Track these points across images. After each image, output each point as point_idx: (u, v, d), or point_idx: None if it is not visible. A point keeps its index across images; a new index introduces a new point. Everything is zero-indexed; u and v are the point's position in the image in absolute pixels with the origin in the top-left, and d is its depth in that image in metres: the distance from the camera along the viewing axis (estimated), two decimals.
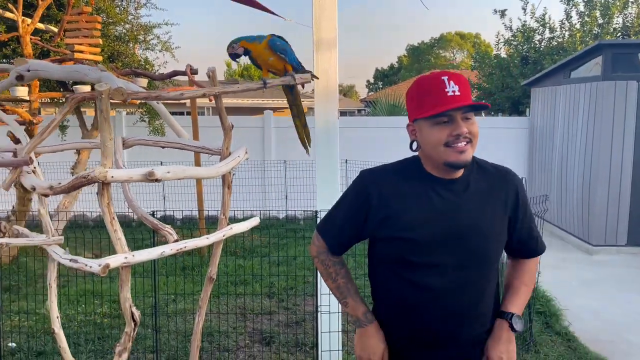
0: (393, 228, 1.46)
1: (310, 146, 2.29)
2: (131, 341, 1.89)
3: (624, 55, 6.24)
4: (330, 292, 1.67)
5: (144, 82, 4.52)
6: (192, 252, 6.25)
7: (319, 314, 3.15)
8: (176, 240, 2.12)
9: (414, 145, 1.54)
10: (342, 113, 28.58)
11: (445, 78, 1.40)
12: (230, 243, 6.30)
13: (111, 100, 1.74)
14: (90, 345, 3.86)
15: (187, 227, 7.22)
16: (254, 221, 2.67)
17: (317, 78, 2.13)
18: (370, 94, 29.05)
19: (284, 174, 8.06)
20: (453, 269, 1.44)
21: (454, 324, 1.47)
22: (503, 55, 12.36)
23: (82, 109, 6.56)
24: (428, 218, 1.44)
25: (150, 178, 1.76)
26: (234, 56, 2.12)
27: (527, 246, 1.59)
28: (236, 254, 6.14)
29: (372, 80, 38.65)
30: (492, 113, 13.02)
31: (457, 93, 1.39)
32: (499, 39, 12.49)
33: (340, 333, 3.16)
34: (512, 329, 1.51)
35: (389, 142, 6.43)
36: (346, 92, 47.81)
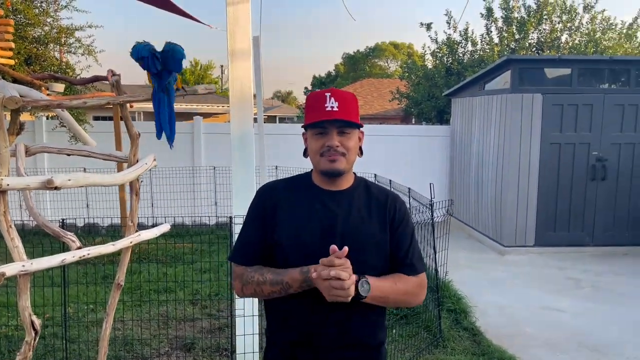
0: (279, 235, 1.57)
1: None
2: (32, 350, 1.89)
3: (530, 70, 6.74)
4: (271, 294, 1.56)
5: (60, 87, 4.42)
6: (115, 260, 6.12)
7: (234, 317, 3.22)
8: (79, 248, 2.14)
9: (306, 152, 1.66)
10: (281, 119, 28.64)
11: (328, 94, 1.55)
12: (156, 251, 6.22)
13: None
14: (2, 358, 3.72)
15: (112, 234, 7.05)
16: (164, 227, 2.71)
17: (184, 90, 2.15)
18: None
19: (214, 180, 8.04)
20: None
21: (336, 330, 1.55)
22: (430, 66, 12.92)
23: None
24: (310, 226, 1.56)
25: (48, 186, 1.77)
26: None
27: (403, 267, 1.62)
28: (162, 261, 6.07)
29: (310, 87, 38.98)
30: (424, 122, 13.57)
31: (335, 109, 1.53)
32: (425, 51, 13.05)
33: (256, 335, 3.24)
34: (356, 288, 1.48)
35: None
36: (285, 98, 47.92)
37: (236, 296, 1.74)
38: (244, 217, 1.70)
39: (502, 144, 6.85)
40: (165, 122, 2.00)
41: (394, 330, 4.17)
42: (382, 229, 1.61)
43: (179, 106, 15.91)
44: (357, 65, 36.11)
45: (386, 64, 36.19)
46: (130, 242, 2.43)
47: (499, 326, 4.43)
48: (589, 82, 6.76)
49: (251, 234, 1.63)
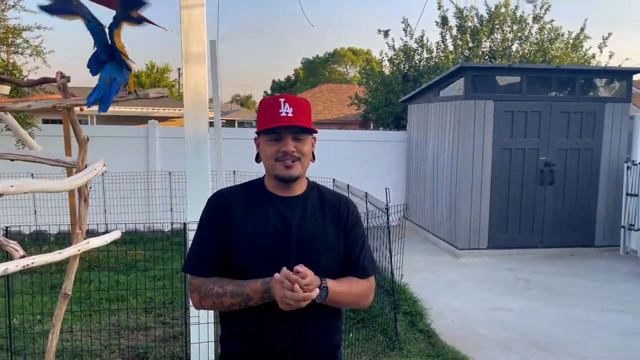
0: (234, 242, 1.56)
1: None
2: None
3: (482, 78, 6.96)
4: (231, 306, 1.54)
5: (5, 89, 4.24)
6: (64, 269, 5.90)
7: (188, 325, 3.17)
8: (23, 256, 2.05)
9: (258, 158, 1.66)
10: (240, 123, 28.40)
11: (282, 100, 1.55)
12: (108, 258, 6.04)
13: None
14: None
15: (61, 242, 6.79)
16: (114, 234, 2.64)
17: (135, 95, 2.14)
18: None
19: (169, 185, 7.89)
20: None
21: (293, 337, 1.55)
22: (387, 72, 13.12)
23: None
24: (265, 231, 1.56)
25: None
26: None
27: (356, 271, 1.65)
28: (114, 269, 5.90)
29: (269, 92, 38.88)
30: (381, 127, 13.75)
31: (290, 115, 1.54)
32: (383, 57, 13.25)
33: (212, 343, 3.19)
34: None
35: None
36: (244, 102, 47.58)
37: (189, 300, 1.63)
38: (197, 225, 1.66)
39: (456, 149, 7.02)
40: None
41: (350, 334, 4.19)
42: (336, 233, 1.64)
43: (134, 109, 15.54)
44: (316, 70, 36.30)
45: (345, 70, 36.53)
46: (78, 250, 2.36)
47: (454, 328, 4.53)
48: (538, 90, 7.03)
49: (206, 242, 1.60)
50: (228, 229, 1.57)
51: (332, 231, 1.63)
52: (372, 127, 16.16)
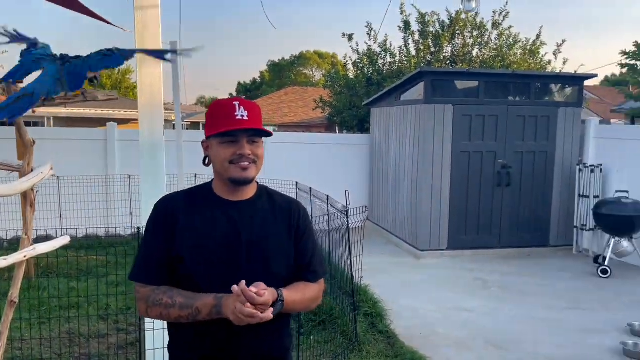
0: (181, 249, 1.54)
1: None
2: None
3: (441, 82, 7.10)
4: (178, 319, 1.51)
5: None
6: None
7: (143, 332, 3.11)
8: None
9: (207, 161, 1.64)
10: (205, 126, 28.04)
11: (236, 103, 1.55)
12: (65, 264, 5.87)
13: None
14: None
15: (15, 248, 6.56)
16: (63, 240, 2.58)
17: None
18: None
19: (129, 189, 7.73)
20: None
21: (244, 343, 1.54)
22: (351, 76, 13.22)
23: None
24: (214, 237, 1.54)
25: None
26: None
27: (307, 274, 1.66)
28: (70, 275, 5.74)
29: (235, 94, 38.61)
30: (345, 130, 13.84)
31: (246, 118, 1.54)
32: (347, 61, 13.36)
33: (167, 349, 3.14)
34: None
35: None
36: (209, 104, 47.10)
37: (142, 315, 1.62)
38: (144, 231, 1.64)
39: (416, 152, 7.14)
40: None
41: (311, 337, 4.20)
42: (287, 236, 1.64)
43: (94, 112, 15.16)
44: (282, 73, 36.27)
45: (311, 73, 36.62)
46: (24, 257, 2.29)
47: (413, 328, 4.60)
48: (495, 94, 7.23)
49: (154, 249, 1.58)
50: (174, 235, 1.55)
51: (283, 235, 1.63)
52: (337, 130, 16.25)
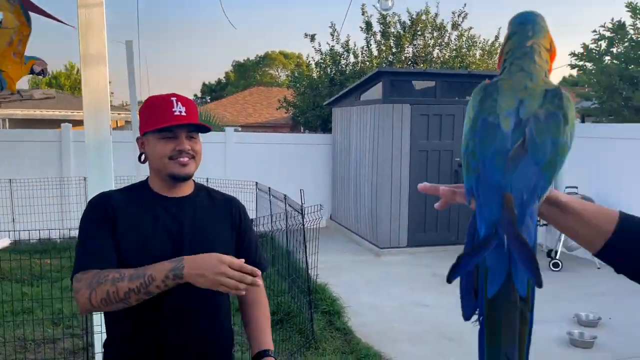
0: (123, 249, 1.49)
1: None
2: None
3: (399, 82, 7.21)
4: (128, 294, 1.37)
5: None
6: None
7: (90, 335, 3.06)
8: None
9: (142, 158, 1.62)
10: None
11: (174, 99, 1.55)
12: (17, 269, 5.70)
13: None
14: None
15: None
16: (4, 242, 2.52)
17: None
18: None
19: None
20: (184, 285, 1.42)
21: (190, 339, 1.52)
22: (315, 76, 13.27)
23: None
24: (156, 235, 1.52)
25: None
26: None
27: (255, 264, 1.63)
28: (22, 280, 5.57)
29: (199, 94, 38.16)
30: (307, 130, 13.89)
31: (184, 113, 1.53)
32: (309, 61, 13.41)
33: None
34: None
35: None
36: None
37: (84, 308, 1.42)
38: (79, 230, 1.53)
39: (375, 151, 7.23)
40: None
41: None
42: (229, 232, 1.65)
43: (51, 113, 14.74)
44: (247, 73, 36.04)
45: (277, 73, 36.54)
46: None
47: (370, 324, 4.66)
48: (451, 94, 7.38)
49: (97, 238, 1.49)
50: (115, 231, 1.50)
51: (225, 231, 1.64)
52: (302, 130, 16.28)
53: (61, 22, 5.06)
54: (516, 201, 0.82)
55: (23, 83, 23.11)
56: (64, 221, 7.52)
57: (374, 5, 12.24)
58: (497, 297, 0.86)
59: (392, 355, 4.05)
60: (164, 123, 1.52)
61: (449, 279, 0.87)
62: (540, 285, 0.80)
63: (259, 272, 1.39)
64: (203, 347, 1.58)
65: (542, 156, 0.84)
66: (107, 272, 1.40)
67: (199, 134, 1.62)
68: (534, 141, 0.83)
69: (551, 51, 0.90)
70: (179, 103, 1.54)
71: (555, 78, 8.32)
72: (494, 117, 0.86)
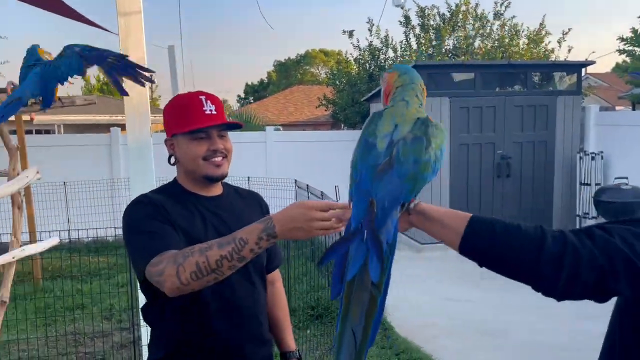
0: (186, 243, 1.41)
1: None
2: None
3: (437, 75, 7.12)
4: (219, 263, 1.25)
5: None
6: (25, 280, 5.87)
7: (138, 328, 3.21)
8: None
9: (172, 160, 1.58)
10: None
11: (202, 97, 1.52)
12: (69, 267, 6.01)
13: None
14: None
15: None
16: (53, 241, 2.67)
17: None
18: (239, 108, 29.18)
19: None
20: (238, 281, 1.49)
21: (240, 333, 1.53)
22: (353, 72, 13.25)
23: None
24: (207, 234, 1.47)
25: None
26: None
27: (273, 259, 1.72)
28: (76, 277, 5.88)
29: (242, 95, 38.79)
30: (345, 127, 13.89)
31: (214, 112, 1.50)
32: (348, 57, 13.39)
33: None
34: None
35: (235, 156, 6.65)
36: None
37: (173, 288, 1.26)
38: (131, 230, 1.43)
39: None
40: None
41: (307, 330, 4.28)
42: None
43: (97, 117, 15.38)
44: (288, 72, 36.32)
45: (317, 71, 36.65)
46: (13, 258, 2.39)
47: (409, 319, 4.65)
48: (492, 85, 7.22)
49: (163, 229, 1.39)
50: (173, 226, 1.42)
51: None
52: (342, 128, 16.29)
53: (103, 29, 5.29)
54: (379, 205, 1.02)
55: (76, 89, 24.15)
56: (115, 220, 7.86)
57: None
58: (353, 281, 1.03)
59: (431, 350, 4.03)
60: (197, 123, 1.48)
61: (319, 264, 1.08)
62: (383, 271, 1.00)
63: (346, 203, 1.20)
64: (263, 337, 1.59)
65: (404, 171, 1.04)
66: (190, 247, 1.28)
67: (229, 132, 1.58)
68: (398, 159, 1.03)
69: (424, 92, 1.17)
70: (209, 101, 1.51)
71: (604, 66, 8.01)
72: (374, 138, 1.08)
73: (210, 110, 1.50)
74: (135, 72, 1.86)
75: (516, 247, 0.97)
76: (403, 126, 1.07)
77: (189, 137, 1.50)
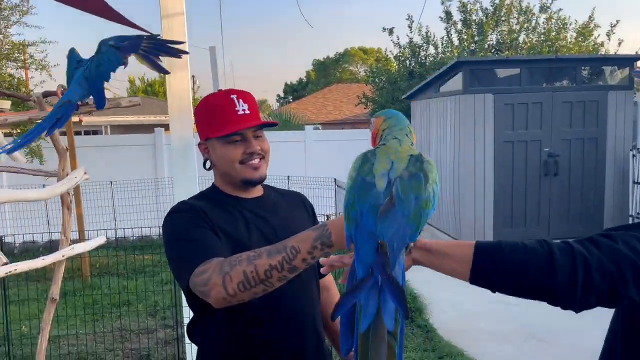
0: (230, 248, 1.36)
1: None
2: None
3: (480, 71, 6.93)
4: (268, 274, 1.13)
5: (6, 103, 4.39)
6: (75, 277, 6.08)
7: (180, 325, 3.25)
8: (5, 263, 2.16)
9: (207, 164, 1.51)
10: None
11: (234, 97, 1.42)
12: (116, 265, 6.19)
13: None
14: None
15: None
16: (100, 240, 2.73)
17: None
18: (279, 107, 29.42)
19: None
20: (290, 288, 1.35)
21: (297, 332, 1.45)
22: (393, 70, 13.12)
23: None
24: (252, 237, 1.41)
25: None
26: None
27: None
28: (122, 274, 6.05)
29: (282, 94, 39.08)
30: None
31: (247, 112, 1.41)
32: (387, 55, 13.27)
33: None
34: None
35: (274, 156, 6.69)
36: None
37: (218, 298, 1.15)
38: (173, 236, 1.35)
39: (457, 143, 7.01)
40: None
41: None
42: (310, 224, 1.54)
43: (142, 118, 15.79)
44: (327, 71, 36.34)
45: (356, 69, 36.53)
46: (62, 256, 2.46)
47: (453, 323, 4.55)
48: (538, 80, 6.98)
49: (208, 236, 1.32)
50: (215, 232, 1.35)
51: (307, 224, 1.51)
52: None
53: (146, 32, 5.41)
54: (389, 248, 0.95)
55: (122, 91, 24.92)
56: (159, 219, 8.05)
57: None
58: (368, 332, 0.94)
59: (475, 353, 3.93)
60: (231, 126, 1.39)
61: (333, 317, 0.95)
62: (407, 316, 0.92)
63: None
64: (321, 336, 1.52)
65: (407, 209, 0.98)
66: (236, 255, 1.18)
67: (264, 131, 1.49)
68: (399, 197, 0.98)
69: (412, 133, 1.14)
70: (241, 100, 1.42)
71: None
72: (371, 177, 1.02)
73: (244, 110, 1.41)
74: (168, 48, 1.87)
75: (528, 264, 0.94)
76: (399, 163, 1.03)
77: (223, 141, 1.42)
